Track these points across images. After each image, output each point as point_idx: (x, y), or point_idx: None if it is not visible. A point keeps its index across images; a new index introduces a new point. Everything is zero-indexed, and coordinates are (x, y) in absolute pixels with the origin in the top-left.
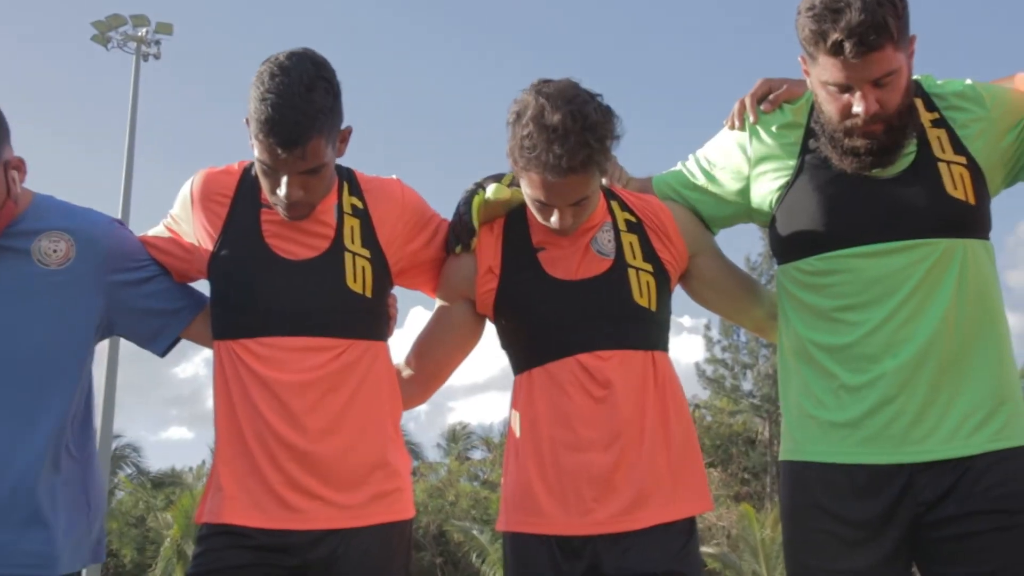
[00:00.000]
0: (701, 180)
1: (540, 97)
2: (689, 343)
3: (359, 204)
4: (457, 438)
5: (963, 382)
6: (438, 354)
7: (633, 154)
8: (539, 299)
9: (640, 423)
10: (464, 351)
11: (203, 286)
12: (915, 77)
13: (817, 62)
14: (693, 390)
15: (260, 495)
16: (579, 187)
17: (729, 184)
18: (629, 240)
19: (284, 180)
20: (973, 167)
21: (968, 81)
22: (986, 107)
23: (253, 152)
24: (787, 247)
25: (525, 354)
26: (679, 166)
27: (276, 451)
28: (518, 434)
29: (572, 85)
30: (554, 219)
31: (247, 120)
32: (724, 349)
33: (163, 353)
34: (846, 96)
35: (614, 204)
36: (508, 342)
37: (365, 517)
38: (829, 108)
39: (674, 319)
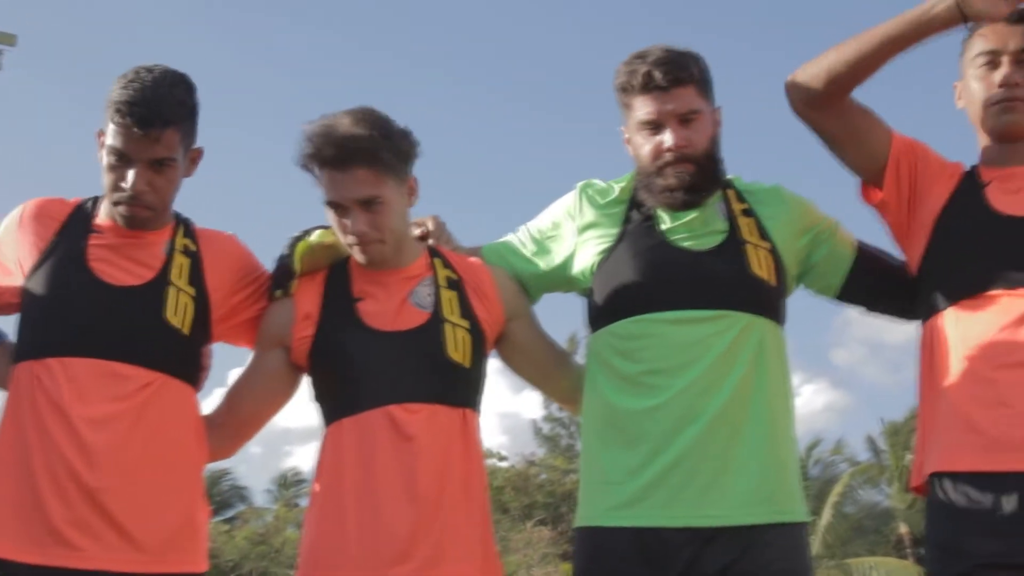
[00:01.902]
0: (530, 248)
1: None
2: (528, 400)
3: (191, 246)
4: (288, 484)
5: (753, 454)
6: (249, 404)
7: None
8: (354, 348)
9: (442, 480)
10: (276, 403)
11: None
12: (727, 176)
13: (632, 108)
14: (530, 447)
15: (39, 530)
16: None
17: (556, 252)
18: (448, 296)
19: (132, 172)
20: (776, 254)
21: (773, 183)
22: (787, 207)
23: (101, 157)
24: (602, 311)
25: (336, 403)
26: (510, 236)
27: (65, 485)
28: (321, 486)
29: None
30: (668, 137)
31: (99, 131)
32: (561, 408)
33: None
34: (657, 137)
35: (436, 261)
36: (320, 392)
37: (155, 565)
38: (644, 152)
39: (516, 375)
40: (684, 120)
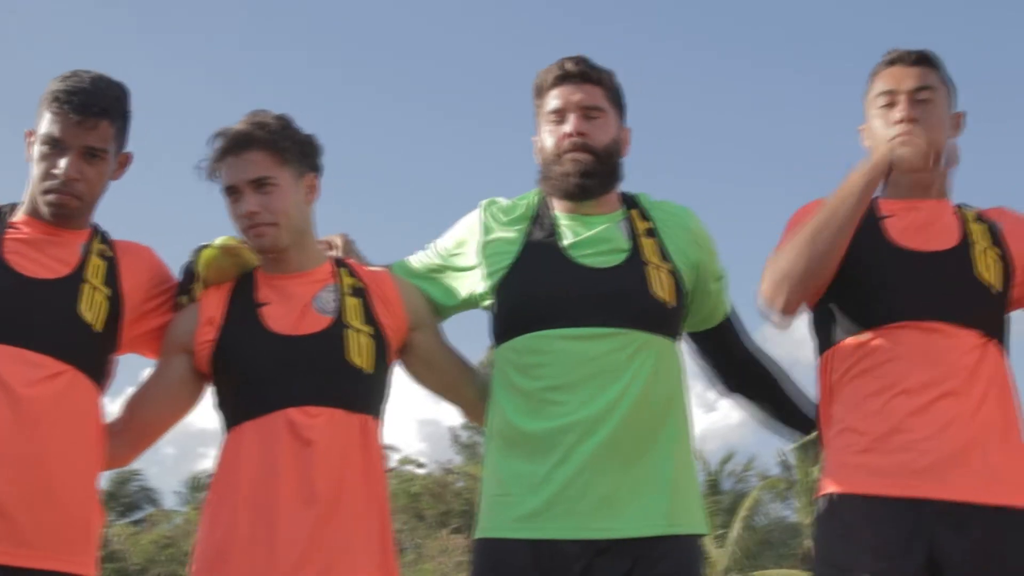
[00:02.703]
0: (435, 266)
1: None
2: (449, 408)
3: (108, 252)
4: (199, 486)
5: (649, 469)
6: (151, 411)
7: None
8: (254, 351)
9: (341, 486)
10: (178, 410)
11: None
12: (632, 192)
13: (544, 106)
14: (449, 455)
15: None
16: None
17: (460, 270)
18: (352, 302)
19: (65, 159)
20: (676, 275)
21: (685, 207)
22: (690, 235)
23: (32, 149)
24: (503, 326)
25: (237, 408)
26: (417, 253)
27: None
28: (217, 492)
29: None
30: (570, 124)
31: (28, 131)
32: (466, 420)
33: None
34: (562, 127)
35: (342, 270)
36: (222, 398)
37: (41, 560)
38: (548, 142)
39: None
40: (588, 114)
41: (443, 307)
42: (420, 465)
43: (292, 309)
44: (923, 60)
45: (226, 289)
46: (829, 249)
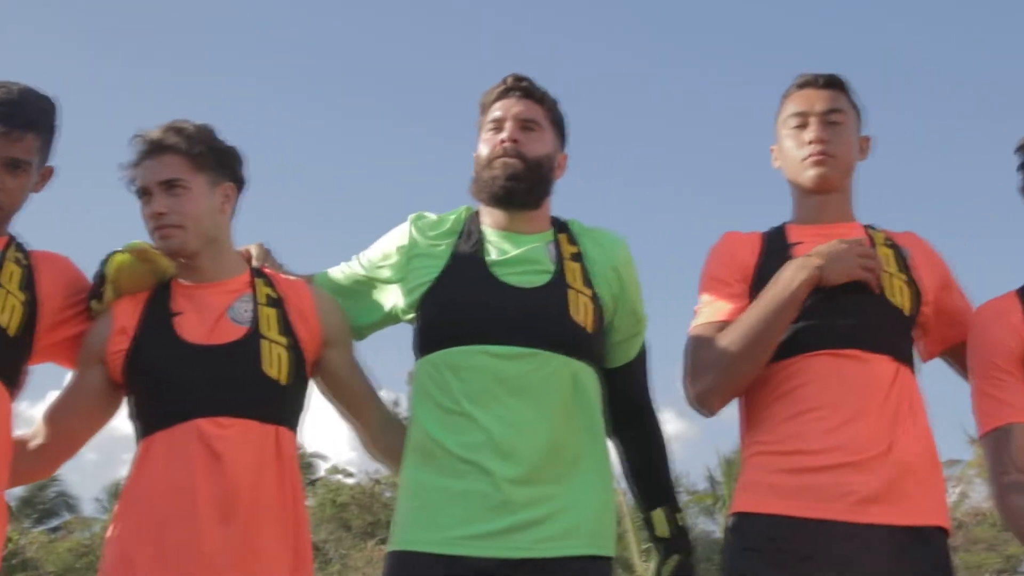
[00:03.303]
0: (360, 276)
1: None
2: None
3: (23, 259)
4: (120, 493)
5: (565, 490)
6: (68, 423)
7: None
8: (166, 361)
9: (252, 498)
10: (95, 421)
11: None
12: (564, 219)
13: (485, 115)
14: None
15: None
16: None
17: (384, 284)
18: (267, 313)
19: None
20: (597, 302)
21: (618, 236)
22: (616, 262)
23: None
24: (424, 340)
25: (148, 418)
26: (342, 265)
27: None
28: (128, 501)
29: None
30: (505, 132)
31: None
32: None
33: None
34: (498, 136)
35: (259, 280)
36: (135, 408)
37: None
38: (484, 150)
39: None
40: (525, 125)
41: (364, 325)
42: (349, 475)
43: (206, 319)
44: (834, 83)
45: (141, 299)
46: (756, 366)
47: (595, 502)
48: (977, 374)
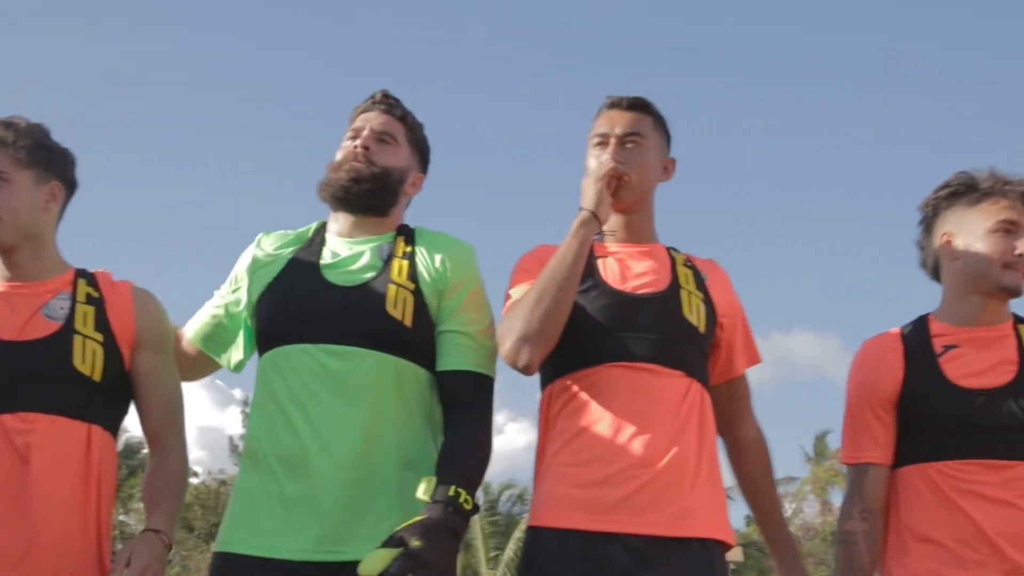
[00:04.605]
0: (220, 305)
1: None
2: (233, 416)
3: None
4: None
5: (382, 491)
6: None
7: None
8: None
9: (58, 496)
10: None
11: None
12: (413, 225)
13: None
14: (223, 463)
15: None
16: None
17: (237, 303)
18: (84, 310)
19: None
20: (418, 296)
21: (462, 240)
22: (448, 259)
23: None
24: (259, 343)
25: None
26: (205, 304)
27: None
28: None
29: None
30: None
31: None
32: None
33: None
34: (351, 143)
35: (81, 280)
36: None
37: None
38: (338, 156)
39: (226, 390)
40: (381, 137)
41: (232, 354)
42: (194, 474)
43: (20, 315)
44: (637, 106)
45: None
46: (556, 307)
47: (412, 506)
48: (851, 405)
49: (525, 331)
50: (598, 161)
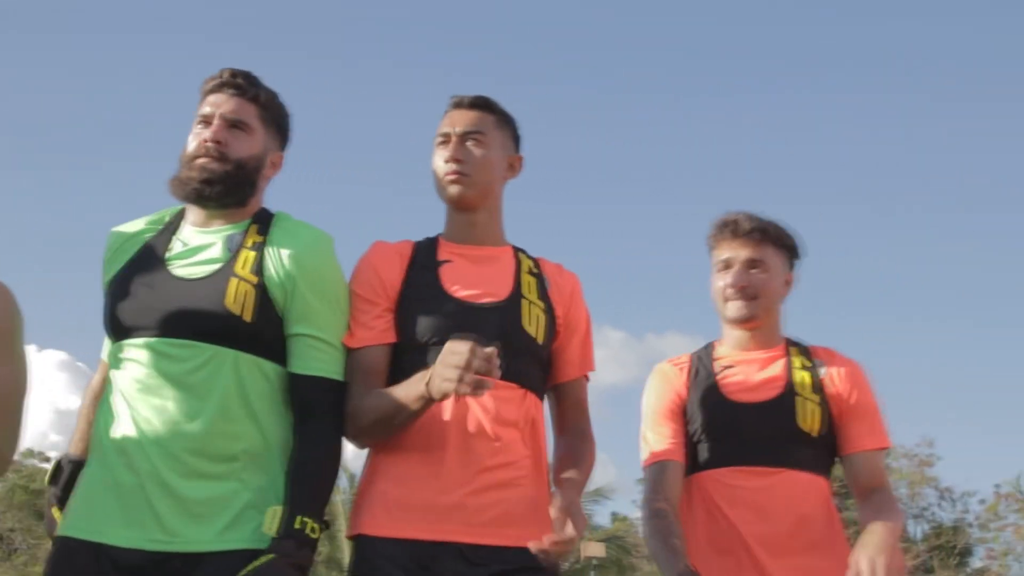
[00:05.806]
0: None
1: None
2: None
3: None
4: None
5: (212, 486)
6: None
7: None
8: None
9: None
10: None
11: None
12: (277, 211)
13: (199, 106)
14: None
15: None
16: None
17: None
18: None
19: None
20: (261, 290)
21: (321, 232)
22: (298, 250)
23: None
24: (106, 330)
25: None
26: None
27: None
28: None
29: None
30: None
31: None
32: None
33: None
34: (206, 131)
35: None
36: None
37: None
38: (191, 146)
39: (87, 372)
40: (232, 124)
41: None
42: (46, 459)
43: None
44: (478, 105)
45: None
46: (396, 431)
47: (255, 498)
48: (647, 419)
49: (368, 436)
50: (438, 161)
